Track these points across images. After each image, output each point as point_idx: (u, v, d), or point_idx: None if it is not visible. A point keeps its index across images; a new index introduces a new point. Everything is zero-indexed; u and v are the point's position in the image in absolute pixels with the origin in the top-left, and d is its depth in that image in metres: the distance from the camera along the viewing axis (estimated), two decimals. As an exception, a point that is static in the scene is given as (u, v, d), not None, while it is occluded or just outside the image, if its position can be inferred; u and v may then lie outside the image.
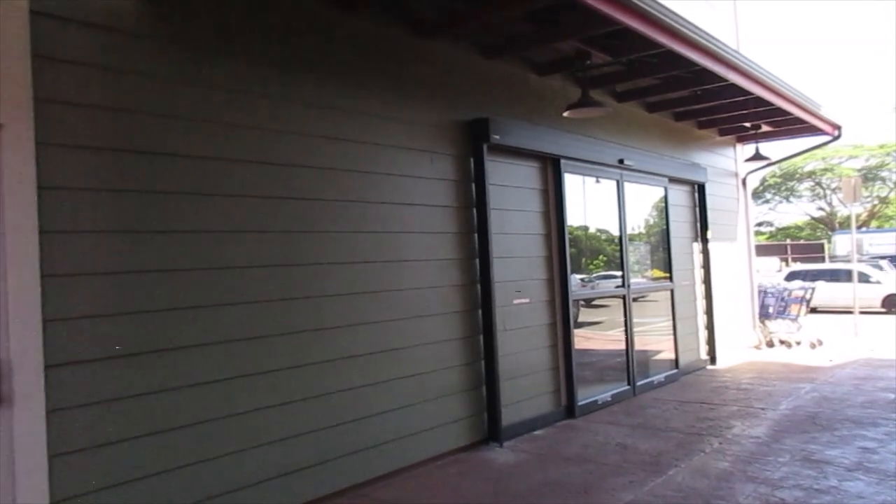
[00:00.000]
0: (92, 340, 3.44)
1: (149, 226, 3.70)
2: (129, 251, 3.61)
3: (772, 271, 23.55)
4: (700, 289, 9.38)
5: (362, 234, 4.81)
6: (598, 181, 7.36)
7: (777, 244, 35.63)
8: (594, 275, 7.52)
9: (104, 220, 3.53)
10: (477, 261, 5.72)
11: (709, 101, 7.99)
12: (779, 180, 36.71)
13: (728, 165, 10.54)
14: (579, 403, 6.62)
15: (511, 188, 6.16)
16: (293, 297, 4.34)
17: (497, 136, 5.78)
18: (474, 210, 5.74)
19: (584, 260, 7.25)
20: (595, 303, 7.58)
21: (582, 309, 7.15)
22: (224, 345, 3.96)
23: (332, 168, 4.65)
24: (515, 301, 6.09)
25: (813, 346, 10.57)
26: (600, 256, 7.69)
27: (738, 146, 10.80)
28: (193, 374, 3.81)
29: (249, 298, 4.11)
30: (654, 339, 8.29)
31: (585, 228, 7.33)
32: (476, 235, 5.72)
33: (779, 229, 40.26)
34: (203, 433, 3.83)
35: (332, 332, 4.55)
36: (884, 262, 19.91)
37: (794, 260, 29.87)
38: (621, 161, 7.47)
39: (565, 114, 6.42)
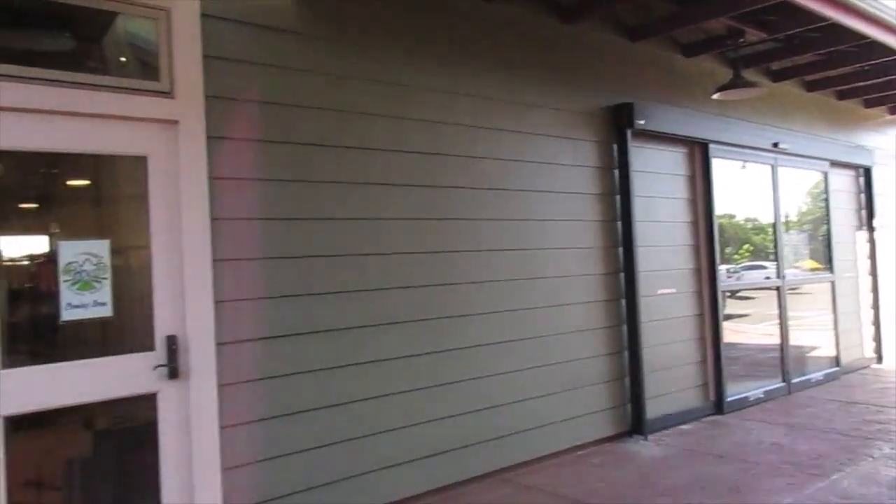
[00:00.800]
0: (256, 321, 3.68)
1: (307, 213, 3.90)
2: (290, 237, 3.83)
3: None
4: (865, 281, 8.63)
5: (505, 222, 4.83)
6: (744, 166, 6.95)
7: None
8: (739, 265, 7.12)
9: (266, 208, 3.75)
10: (620, 249, 5.59)
11: (879, 76, 7.30)
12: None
13: (899, 147, 9.62)
14: (728, 399, 6.30)
15: (656, 175, 5.95)
16: (441, 283, 4.43)
17: (641, 122, 5.60)
18: (617, 197, 5.60)
19: (728, 249, 6.88)
20: (741, 294, 7.19)
21: (727, 300, 6.79)
22: (375, 328, 4.11)
23: (477, 157, 4.69)
24: (660, 291, 5.89)
25: None
26: (745, 246, 7.27)
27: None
28: (348, 356, 3.99)
29: (400, 283, 4.24)
30: (811, 334, 7.74)
31: (730, 216, 6.95)
32: (619, 224, 5.59)
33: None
34: (356, 411, 4.00)
35: (477, 318, 4.61)
36: None
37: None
38: (776, 144, 7.00)
39: (715, 96, 6.11)
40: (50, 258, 3.18)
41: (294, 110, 3.89)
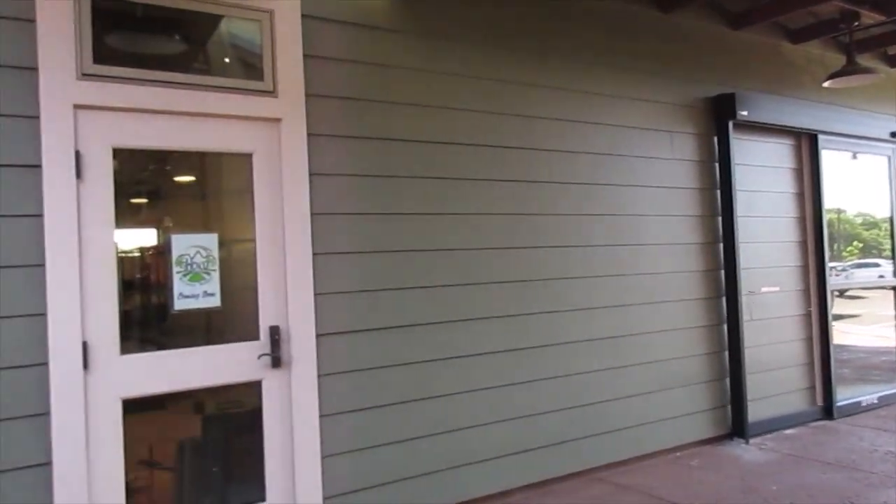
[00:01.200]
0: (354, 314, 3.76)
1: (401, 209, 3.95)
2: (385, 232, 3.89)
3: None
4: None
5: (599, 217, 4.74)
6: (854, 157, 6.54)
7: None
8: (847, 262, 6.71)
9: (363, 203, 3.83)
10: (720, 245, 5.38)
11: None
12: None
13: None
14: (838, 404, 5.96)
15: (759, 168, 5.70)
16: (533, 279, 4.41)
17: (744, 112, 5.37)
18: (718, 192, 5.40)
19: (835, 246, 6.50)
20: (851, 293, 6.78)
21: (835, 300, 6.42)
22: (469, 322, 4.13)
23: (571, 151, 4.63)
24: (763, 289, 5.64)
25: None
26: (854, 243, 6.85)
27: None
28: (442, 349, 4.03)
29: (494, 279, 4.24)
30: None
31: (839, 211, 6.56)
32: (720, 219, 5.38)
33: None
34: (450, 405, 4.03)
35: (569, 314, 4.55)
36: None
37: None
38: (894, 134, 6.56)
39: (825, 84, 5.77)
40: (163, 251, 3.36)
41: (390, 107, 3.95)
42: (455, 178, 4.15)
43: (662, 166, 5.11)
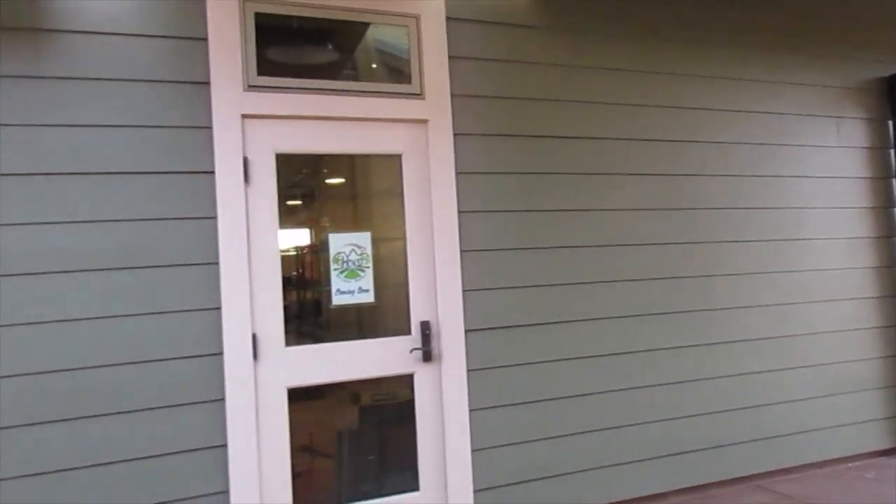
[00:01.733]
0: (501, 310, 3.79)
1: (547, 205, 3.94)
2: (531, 229, 3.89)
3: None
4: None
5: (756, 211, 4.48)
6: None
7: None
8: None
9: (508, 200, 3.85)
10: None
11: None
12: None
13: None
14: None
15: (942, 152, 5.16)
16: (686, 276, 4.24)
17: (925, 92, 4.88)
18: (894, 181, 4.94)
19: None
20: None
21: None
22: (618, 320, 4.05)
23: (726, 142, 4.41)
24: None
25: None
26: None
27: None
28: (593, 346, 3.97)
29: (644, 275, 4.13)
30: None
31: None
32: (896, 210, 4.94)
33: None
34: (601, 403, 3.97)
35: (726, 312, 4.34)
36: None
37: None
38: None
39: None
40: (319, 249, 3.55)
41: (532, 103, 3.95)
42: (601, 174, 4.07)
43: (826, 154, 4.74)
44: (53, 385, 2.96)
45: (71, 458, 2.97)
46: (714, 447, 4.22)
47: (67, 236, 3.02)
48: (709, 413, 4.23)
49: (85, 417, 3.00)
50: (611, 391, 3.99)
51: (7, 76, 2.96)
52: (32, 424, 2.93)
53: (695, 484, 4.16)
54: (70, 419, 2.98)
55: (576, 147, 4.03)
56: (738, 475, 4.28)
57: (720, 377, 4.28)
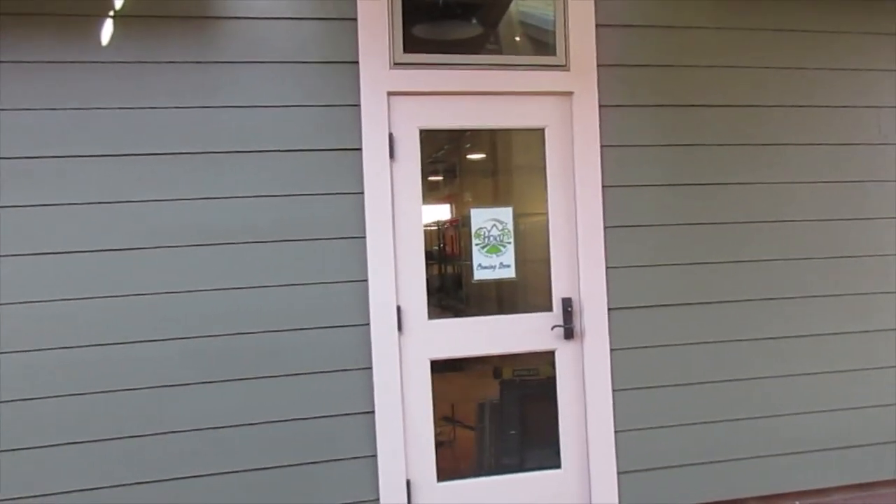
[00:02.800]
0: (646, 288, 3.65)
1: (698, 179, 3.73)
2: (677, 204, 3.70)
3: None
4: None
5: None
6: None
7: None
8: None
9: (656, 174, 3.68)
10: None
11: None
12: None
13: None
14: None
15: None
16: (849, 255, 3.88)
17: None
18: None
19: None
20: None
21: None
22: (774, 301, 3.78)
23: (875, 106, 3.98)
24: None
25: None
26: None
27: None
28: (743, 330, 3.75)
29: (802, 254, 3.83)
30: None
31: None
32: None
33: None
34: (752, 390, 3.75)
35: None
36: None
37: None
38: None
39: None
40: (460, 224, 3.58)
41: (684, 71, 3.73)
42: (760, 144, 3.79)
43: None
44: (231, 345, 3.21)
45: (243, 414, 3.22)
46: (882, 443, 3.87)
47: (230, 212, 3.23)
48: (882, 405, 3.88)
49: (241, 379, 3.23)
50: (767, 377, 3.75)
51: (177, 62, 3.20)
52: (209, 382, 3.19)
53: (864, 481, 3.85)
54: (234, 379, 3.22)
55: (733, 116, 3.76)
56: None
57: (891, 366, 3.90)
